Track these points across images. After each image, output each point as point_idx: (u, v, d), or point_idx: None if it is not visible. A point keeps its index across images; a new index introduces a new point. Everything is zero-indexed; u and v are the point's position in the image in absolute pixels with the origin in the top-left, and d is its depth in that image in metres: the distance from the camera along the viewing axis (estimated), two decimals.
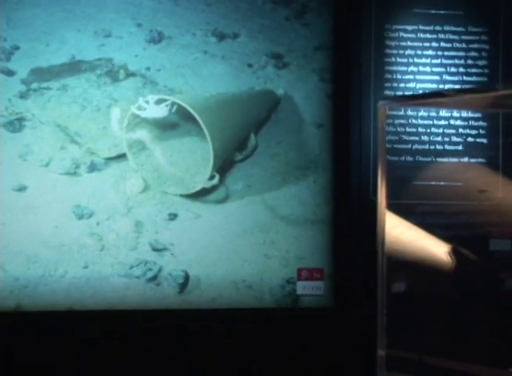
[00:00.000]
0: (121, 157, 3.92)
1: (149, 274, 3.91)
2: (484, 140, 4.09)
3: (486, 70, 4.13)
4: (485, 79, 4.13)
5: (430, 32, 4.09)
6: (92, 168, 3.89)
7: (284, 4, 4.05)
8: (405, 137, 4.04)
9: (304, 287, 4.01)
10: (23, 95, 3.86)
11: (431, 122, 4.07)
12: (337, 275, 4.03)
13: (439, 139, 4.06)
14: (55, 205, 3.87)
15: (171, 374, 3.86)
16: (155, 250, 3.93)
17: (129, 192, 3.93)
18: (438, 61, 4.10)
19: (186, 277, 3.94)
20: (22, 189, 3.85)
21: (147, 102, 3.87)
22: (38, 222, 3.85)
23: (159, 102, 3.87)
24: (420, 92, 4.01)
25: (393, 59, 4.07)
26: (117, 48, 3.93)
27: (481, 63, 4.12)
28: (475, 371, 3.36)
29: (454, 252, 3.50)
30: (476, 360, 3.36)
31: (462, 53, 4.11)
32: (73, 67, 3.89)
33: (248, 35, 4.03)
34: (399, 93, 4.07)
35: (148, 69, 3.95)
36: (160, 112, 3.88)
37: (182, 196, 3.96)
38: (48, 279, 3.84)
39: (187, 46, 3.99)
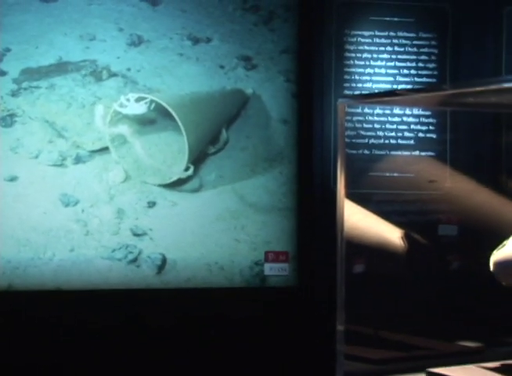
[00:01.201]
0: (104, 149, 3.92)
1: (130, 257, 3.92)
2: (434, 135, 4.12)
3: (435, 72, 4.16)
4: (434, 80, 4.16)
5: (385, 37, 4.12)
6: (78, 159, 3.89)
7: (253, 11, 4.05)
8: (362, 132, 4.07)
9: (270, 269, 4.03)
10: (14, 94, 3.85)
11: (386, 119, 4.10)
12: (301, 257, 4.05)
13: (393, 134, 4.09)
14: (43, 194, 3.87)
15: (149, 345, 3.86)
16: (135, 235, 3.94)
17: (111, 182, 3.93)
18: (392, 64, 4.14)
19: (164, 260, 3.95)
20: (13, 179, 3.85)
21: (128, 100, 3.89)
22: (28, 209, 3.85)
23: (139, 100, 3.89)
24: (376, 91, 4.02)
25: (351, 62, 4.10)
26: (101, 51, 3.92)
27: (430, 65, 4.16)
28: (425, 344, 3.42)
29: (406, 237, 3.45)
30: (425, 334, 3.42)
31: (413, 57, 4.15)
32: (60, 68, 3.88)
33: (220, 39, 4.03)
34: (357, 92, 4.09)
35: (129, 70, 3.95)
36: (140, 109, 3.90)
37: (159, 185, 3.97)
38: (38, 261, 3.84)
39: (164, 49, 3.99)
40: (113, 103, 3.91)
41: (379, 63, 4.15)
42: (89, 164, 3.93)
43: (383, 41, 4.14)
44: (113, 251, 3.93)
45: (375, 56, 4.14)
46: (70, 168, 3.91)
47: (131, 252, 3.94)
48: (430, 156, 4.13)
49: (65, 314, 3.82)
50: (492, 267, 2.93)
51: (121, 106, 3.91)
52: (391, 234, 3.45)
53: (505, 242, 2.91)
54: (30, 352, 3.79)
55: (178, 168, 3.97)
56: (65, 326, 3.82)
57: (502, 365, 3.02)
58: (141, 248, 3.95)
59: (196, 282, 3.99)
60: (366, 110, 4.11)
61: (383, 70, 4.15)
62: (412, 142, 4.14)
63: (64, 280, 3.88)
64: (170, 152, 3.99)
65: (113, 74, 3.95)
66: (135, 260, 3.94)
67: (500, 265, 2.90)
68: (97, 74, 3.93)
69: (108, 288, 3.91)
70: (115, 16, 3.96)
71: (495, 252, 2.93)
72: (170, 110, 3.85)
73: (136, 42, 3.98)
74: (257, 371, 3.97)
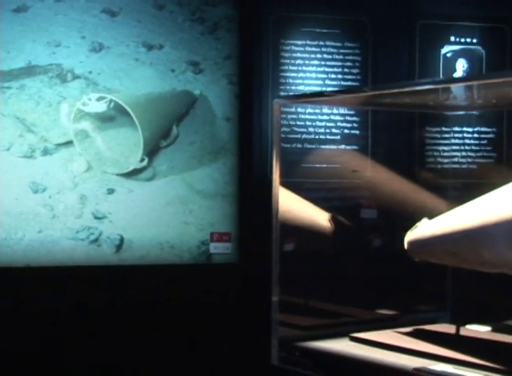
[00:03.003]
0: (69, 143, 3.90)
1: (92, 237, 3.92)
2: (357, 132, 4.17)
3: (358, 76, 4.20)
4: (358, 83, 4.19)
5: (315, 46, 4.14)
6: (45, 152, 3.87)
7: (200, 22, 4.05)
8: (295, 129, 4.10)
9: (215, 248, 4.05)
10: None
11: (316, 117, 4.13)
12: (242, 237, 4.09)
13: (322, 130, 4.13)
14: (15, 182, 3.85)
15: (108, 315, 3.85)
16: (96, 218, 3.93)
17: (75, 171, 3.91)
18: (322, 69, 4.16)
19: (121, 240, 3.95)
20: None
21: (90, 99, 3.88)
22: (1, 195, 3.82)
23: (99, 99, 3.88)
24: (307, 93, 4.01)
25: (286, 67, 4.12)
26: (66, 56, 3.90)
27: (354, 70, 4.19)
28: (349, 312, 3.45)
29: (333, 219, 3.45)
30: (349, 303, 3.45)
31: (340, 63, 4.18)
32: (30, 71, 3.85)
33: (171, 46, 4.02)
34: (291, 93, 4.11)
35: (90, 72, 3.93)
36: (100, 107, 3.89)
37: (118, 174, 3.96)
38: (10, 241, 3.83)
39: (122, 54, 3.97)
40: (76, 102, 3.90)
41: (310, 68, 4.17)
42: (56, 156, 3.90)
43: (313, 49, 4.16)
44: (77, 232, 3.92)
45: (307, 62, 4.16)
46: (38, 160, 3.89)
47: (92, 233, 3.93)
48: (354, 149, 4.17)
49: (33, 288, 3.81)
50: (406, 245, 2.99)
51: (84, 104, 3.89)
52: (320, 217, 3.47)
53: (417, 224, 2.96)
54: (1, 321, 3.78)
55: (134, 160, 3.97)
56: (34, 298, 3.79)
57: (415, 330, 3.09)
58: (101, 230, 3.94)
59: (150, 259, 3.99)
60: (299, 110, 4.12)
61: (313, 75, 4.17)
62: (338, 137, 4.17)
63: (33, 258, 3.86)
64: (127, 145, 3.97)
65: (76, 77, 3.92)
66: (96, 240, 3.94)
67: (413, 243, 2.95)
68: (62, 76, 3.90)
69: (72, 265, 3.89)
70: (78, 25, 3.93)
71: (408, 233, 2.98)
72: (127, 108, 3.85)
73: (97, 48, 3.95)
74: (204, 336, 3.99)
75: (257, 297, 3.54)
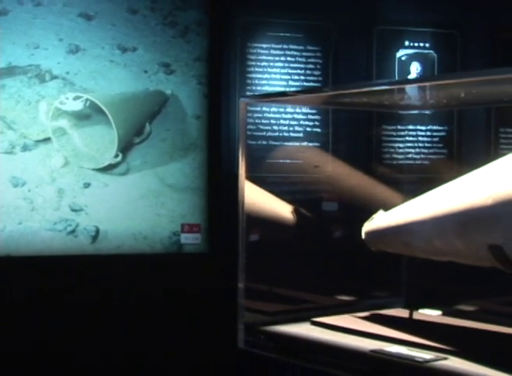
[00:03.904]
0: (47, 140, 3.88)
1: (69, 228, 3.90)
2: (319, 129, 4.17)
3: (320, 78, 4.21)
4: (319, 84, 4.20)
5: (280, 49, 4.15)
6: (25, 148, 3.85)
7: (171, 26, 4.03)
8: (261, 126, 4.11)
9: (186, 238, 4.04)
10: None
11: (280, 116, 4.14)
12: (211, 228, 4.08)
13: (286, 128, 4.14)
14: None
15: (85, 302, 3.83)
16: (73, 210, 3.91)
17: (53, 166, 3.89)
18: (285, 70, 4.17)
19: (97, 231, 3.93)
20: None
21: (67, 98, 3.86)
22: None
23: (76, 98, 3.86)
24: (272, 92, 4.02)
25: (252, 69, 4.12)
26: (44, 57, 3.87)
27: (316, 72, 4.20)
28: (310, 298, 3.47)
29: (296, 211, 3.46)
30: (311, 290, 3.47)
31: (302, 65, 4.18)
32: (10, 71, 3.82)
33: (144, 49, 4.00)
34: (257, 93, 4.11)
35: (68, 73, 3.90)
36: (77, 106, 3.87)
37: (93, 169, 3.94)
38: None
39: (98, 56, 3.95)
40: (54, 101, 3.87)
41: (274, 70, 4.17)
42: (35, 152, 3.88)
43: (278, 52, 4.17)
44: (55, 223, 3.89)
45: (271, 64, 4.17)
46: (18, 155, 3.86)
47: (69, 225, 3.91)
48: (316, 146, 4.19)
49: (14, 277, 3.79)
50: (363, 236, 3.01)
51: (61, 103, 3.87)
52: (283, 209, 3.48)
53: (374, 216, 2.99)
54: None
55: (109, 155, 3.95)
56: (14, 287, 3.78)
57: (371, 314, 3.11)
58: (78, 221, 3.92)
59: (124, 249, 3.98)
60: (264, 108, 4.12)
61: (278, 76, 4.18)
62: (301, 134, 4.17)
63: (14, 248, 3.84)
64: (102, 142, 3.95)
65: (54, 77, 3.90)
66: (73, 231, 3.92)
67: (370, 234, 2.98)
68: (41, 76, 3.88)
69: (51, 255, 3.87)
70: (56, 28, 3.91)
71: (366, 224, 3.01)
72: (102, 107, 3.84)
73: (74, 50, 3.93)
74: (174, 321, 3.99)
75: (225, 284, 3.55)
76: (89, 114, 3.93)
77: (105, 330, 3.90)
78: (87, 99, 3.88)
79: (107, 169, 3.97)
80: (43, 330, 3.82)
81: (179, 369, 4.03)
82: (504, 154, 2.46)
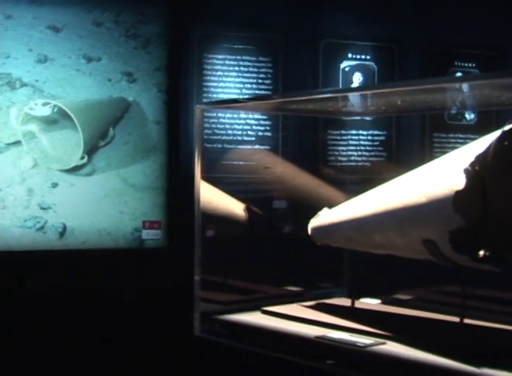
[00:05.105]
0: (18, 143, 3.83)
1: (38, 225, 3.86)
2: (270, 133, 4.17)
3: (271, 86, 4.20)
4: (270, 92, 4.20)
5: (234, 60, 4.14)
6: None
7: (133, 38, 4.00)
8: (216, 131, 4.09)
9: (147, 234, 4.01)
10: None
11: (234, 121, 4.12)
12: (170, 225, 4.05)
13: (239, 132, 4.12)
14: None
15: (54, 295, 3.79)
16: (42, 208, 3.87)
17: (23, 167, 3.84)
18: (239, 80, 4.15)
19: (64, 227, 3.89)
20: None
21: (36, 104, 3.82)
22: None
23: (45, 104, 3.82)
24: (226, 99, 4.02)
25: (209, 78, 4.10)
26: (14, 66, 3.83)
27: (267, 81, 4.20)
28: (261, 288, 3.47)
29: (248, 209, 3.48)
30: (262, 281, 3.47)
31: (255, 75, 4.17)
32: None
33: (108, 59, 3.97)
34: (213, 100, 4.09)
35: (37, 81, 3.86)
36: (46, 112, 3.83)
37: (61, 170, 3.90)
38: None
39: (65, 65, 3.91)
40: (24, 106, 3.83)
41: (229, 79, 4.16)
42: (6, 154, 3.83)
43: (232, 62, 4.15)
44: (25, 221, 3.85)
45: (226, 73, 4.15)
46: None
47: (39, 222, 3.87)
48: (267, 149, 4.18)
49: None
50: (309, 231, 3.02)
51: (31, 109, 3.82)
52: (237, 207, 3.49)
53: (319, 213, 2.99)
54: None
55: (75, 157, 3.91)
56: None
57: (317, 303, 3.12)
58: (46, 219, 3.88)
59: (90, 244, 3.94)
60: (220, 114, 4.10)
61: (232, 84, 4.16)
62: (253, 138, 4.17)
63: None
64: (69, 145, 3.91)
65: (24, 84, 3.86)
66: (42, 228, 3.88)
67: (315, 230, 2.98)
68: (12, 84, 3.83)
69: (21, 250, 3.84)
70: (26, 39, 3.86)
71: (312, 220, 3.02)
72: (69, 112, 3.80)
73: (43, 60, 3.89)
74: (135, 311, 3.96)
75: (182, 276, 3.51)
76: (57, 119, 3.89)
77: (71, 320, 3.85)
78: (55, 105, 3.83)
79: (74, 170, 3.93)
80: (12, 321, 3.78)
81: (141, 355, 3.98)
82: (437, 157, 2.49)
